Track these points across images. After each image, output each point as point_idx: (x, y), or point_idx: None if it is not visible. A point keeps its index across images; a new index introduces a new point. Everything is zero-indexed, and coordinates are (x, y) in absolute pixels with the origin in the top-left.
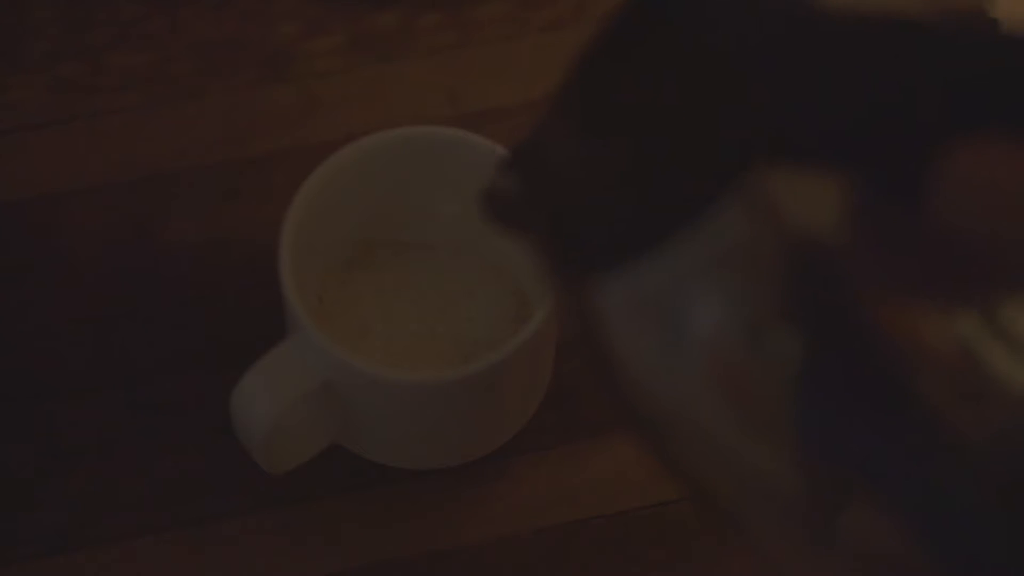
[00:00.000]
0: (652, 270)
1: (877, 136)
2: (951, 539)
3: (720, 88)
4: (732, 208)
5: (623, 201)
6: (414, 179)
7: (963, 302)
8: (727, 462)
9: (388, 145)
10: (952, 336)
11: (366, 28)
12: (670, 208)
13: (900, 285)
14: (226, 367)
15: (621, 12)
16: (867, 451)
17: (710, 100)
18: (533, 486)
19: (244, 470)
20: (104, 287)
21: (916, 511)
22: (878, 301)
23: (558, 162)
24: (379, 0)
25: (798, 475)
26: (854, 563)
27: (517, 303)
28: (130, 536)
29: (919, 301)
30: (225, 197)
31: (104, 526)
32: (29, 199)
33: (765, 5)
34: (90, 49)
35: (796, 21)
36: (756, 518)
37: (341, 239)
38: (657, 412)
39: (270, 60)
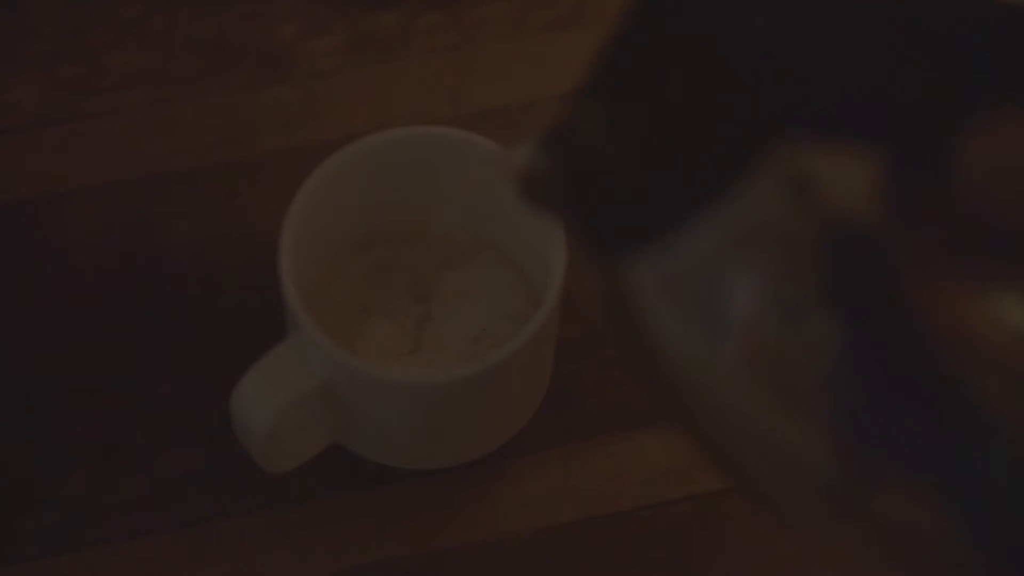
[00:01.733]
0: (684, 248)
1: (902, 110)
2: (993, 521)
3: (748, 65)
4: (763, 184)
5: (654, 179)
6: (414, 179)
7: (1002, 281)
8: (758, 441)
9: (388, 145)
10: (1001, 321)
11: (366, 28)
12: (700, 185)
13: (936, 265)
14: (226, 367)
15: None
16: (906, 436)
17: (738, 77)
18: (533, 486)
19: (244, 470)
20: (104, 287)
21: (957, 496)
22: (921, 283)
23: (588, 144)
24: (379, 0)
25: (830, 455)
26: (883, 537)
27: (522, 296)
28: (130, 536)
29: (960, 282)
30: (225, 197)
31: (104, 526)
32: (29, 199)
33: None
34: (90, 49)
35: None
36: (785, 495)
37: (340, 239)
38: (690, 391)
39: (270, 60)
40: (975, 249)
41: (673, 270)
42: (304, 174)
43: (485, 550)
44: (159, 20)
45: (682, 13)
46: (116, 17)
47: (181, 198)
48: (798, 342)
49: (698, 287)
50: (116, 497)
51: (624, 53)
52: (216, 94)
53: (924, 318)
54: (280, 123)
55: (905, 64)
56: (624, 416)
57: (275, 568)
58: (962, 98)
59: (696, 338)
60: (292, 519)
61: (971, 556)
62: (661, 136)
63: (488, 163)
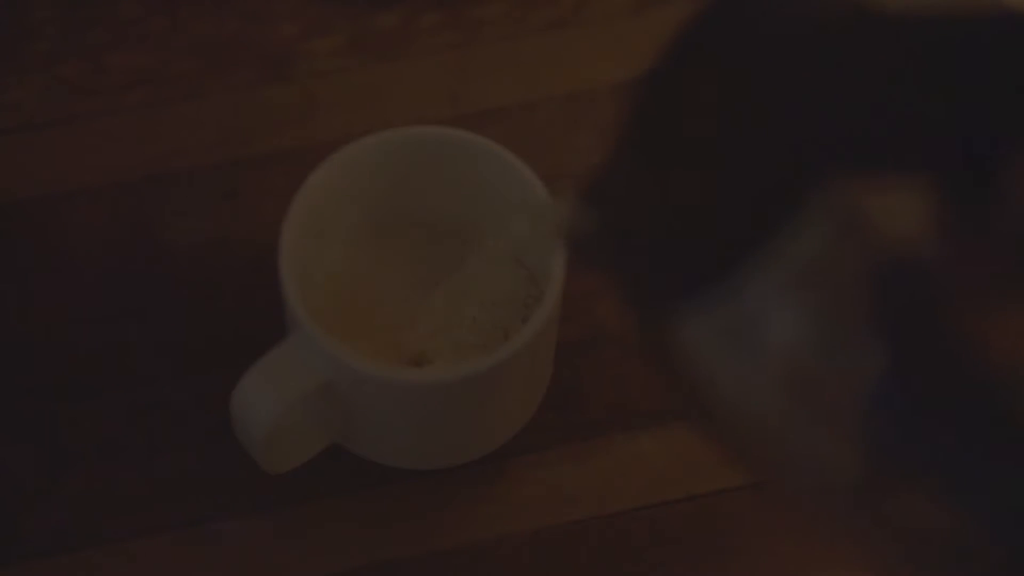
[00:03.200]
0: (732, 295)
1: (944, 140)
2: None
3: (785, 105)
4: (814, 223)
5: (698, 230)
6: (414, 179)
7: None
8: (785, 450)
9: (388, 145)
10: None
11: (366, 28)
12: (748, 230)
13: (991, 296)
14: (226, 367)
15: (675, 42)
16: (950, 459)
17: (776, 119)
18: (533, 486)
19: (244, 470)
20: (104, 287)
21: (983, 503)
22: (976, 314)
23: (628, 197)
24: (379, 0)
25: (860, 465)
26: (902, 536)
27: (525, 289)
28: (130, 536)
29: (1015, 314)
30: (225, 197)
31: (104, 526)
32: (29, 199)
33: (818, 14)
34: (90, 49)
35: (855, 27)
36: (809, 493)
37: (341, 239)
38: (734, 418)
39: (270, 60)
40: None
41: (720, 318)
42: (304, 174)
43: (485, 550)
44: (159, 20)
45: (712, 59)
46: (116, 17)
47: (181, 198)
48: (838, 369)
49: (749, 329)
50: (116, 497)
51: (658, 102)
52: (216, 94)
53: (979, 351)
54: (280, 123)
55: (942, 93)
56: (624, 416)
57: (275, 568)
58: (1006, 124)
59: (741, 371)
60: (292, 519)
61: (990, 555)
62: (703, 186)
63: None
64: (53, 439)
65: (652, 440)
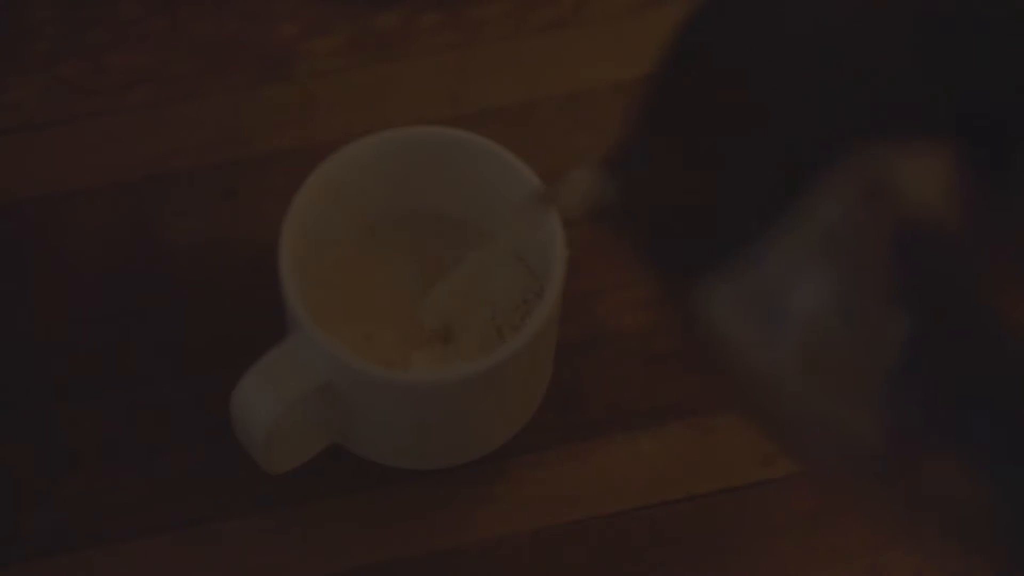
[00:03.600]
0: (754, 264)
1: (972, 107)
2: None
3: (805, 75)
4: (838, 190)
5: (722, 198)
6: (414, 179)
7: None
8: (810, 419)
9: (388, 145)
10: None
11: (366, 28)
12: (771, 198)
13: (1013, 264)
14: (226, 367)
15: (691, 17)
16: (972, 430)
17: (797, 89)
18: (533, 486)
19: (244, 470)
20: (104, 287)
21: (1005, 469)
22: (1000, 285)
23: (652, 169)
24: (379, 0)
25: (882, 436)
26: (925, 505)
27: (522, 293)
28: (130, 536)
29: None
30: (225, 197)
31: (104, 526)
32: (29, 199)
33: None
34: (90, 49)
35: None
36: (831, 465)
37: (341, 238)
38: (757, 389)
39: (270, 60)
40: None
41: (743, 287)
42: (304, 174)
43: (485, 550)
44: (159, 20)
45: (729, 30)
46: (117, 17)
47: (181, 198)
48: (862, 338)
49: (772, 296)
50: (116, 497)
51: (677, 75)
52: (216, 94)
53: (1002, 319)
54: (280, 123)
55: (969, 60)
56: (624, 416)
57: (275, 568)
58: None
59: (764, 339)
60: (292, 519)
61: (1016, 526)
62: (726, 155)
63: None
64: (53, 439)
65: (652, 440)
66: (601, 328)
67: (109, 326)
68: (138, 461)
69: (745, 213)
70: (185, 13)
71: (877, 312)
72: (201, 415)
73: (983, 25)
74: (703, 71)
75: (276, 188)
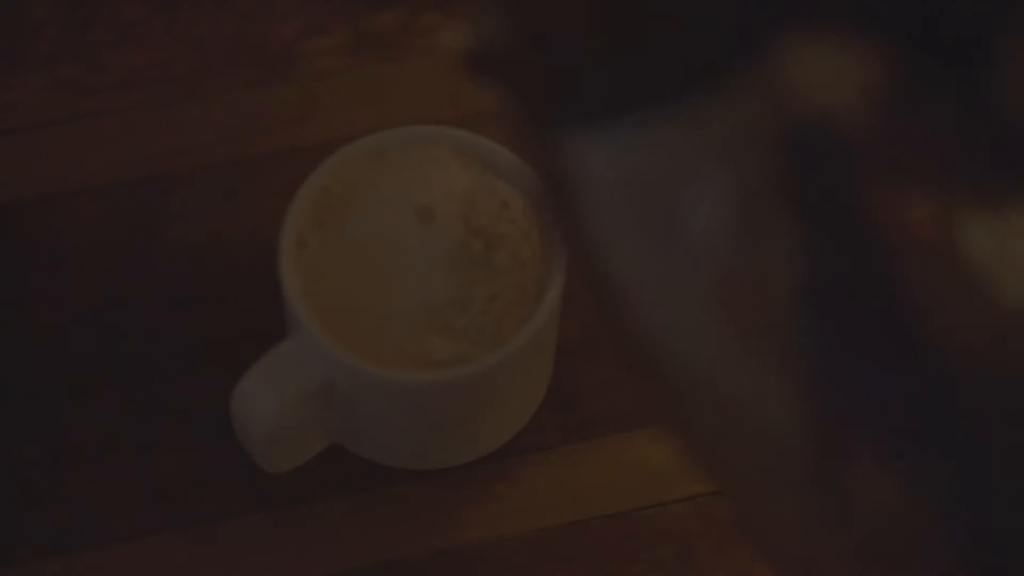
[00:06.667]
0: (639, 140)
1: (928, 14)
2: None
3: None
4: (736, 82)
5: (619, 49)
6: (414, 178)
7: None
8: (729, 402)
9: (388, 145)
10: (956, 233)
11: (366, 28)
12: (675, 71)
13: (911, 173)
14: (226, 367)
15: None
16: (869, 376)
17: None
18: (533, 486)
19: (244, 470)
20: (104, 287)
21: (919, 464)
22: (884, 193)
23: (543, 5)
24: (379, 0)
25: (805, 428)
26: (849, 519)
27: (522, 293)
28: (130, 536)
29: (930, 195)
30: (225, 197)
31: (104, 526)
32: (29, 199)
33: None
34: (90, 49)
35: None
36: (760, 478)
37: (341, 238)
38: (627, 285)
39: (270, 60)
40: (1000, 162)
41: (626, 157)
42: (304, 174)
43: (485, 550)
44: (159, 20)
45: None
46: (116, 17)
47: (181, 198)
48: (762, 264)
49: (651, 186)
50: (116, 497)
51: None
52: (216, 94)
53: (881, 231)
54: (280, 123)
55: None
56: (624, 416)
57: (275, 568)
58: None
59: (643, 235)
60: (292, 519)
61: (928, 536)
62: (634, 23)
63: (487, 165)
64: (53, 439)
65: (652, 440)
66: (601, 328)
67: (109, 326)
68: (138, 461)
69: (641, 87)
70: (185, 13)
71: (770, 228)
72: (201, 415)
73: None
74: None
75: (276, 188)
